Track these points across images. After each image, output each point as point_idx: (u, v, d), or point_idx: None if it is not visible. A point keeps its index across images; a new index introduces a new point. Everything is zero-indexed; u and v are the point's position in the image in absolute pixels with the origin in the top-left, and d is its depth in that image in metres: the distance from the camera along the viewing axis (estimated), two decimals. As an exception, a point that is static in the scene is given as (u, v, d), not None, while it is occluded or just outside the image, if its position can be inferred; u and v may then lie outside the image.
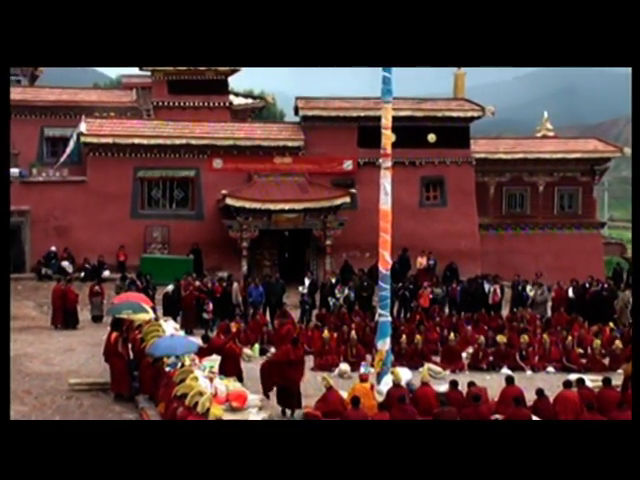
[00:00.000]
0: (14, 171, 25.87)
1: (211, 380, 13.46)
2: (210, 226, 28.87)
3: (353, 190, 28.66)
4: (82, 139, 28.43)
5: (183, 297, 22.88)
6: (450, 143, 30.34)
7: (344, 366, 18.10)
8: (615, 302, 24.35)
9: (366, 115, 28.89)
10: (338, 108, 30.20)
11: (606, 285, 25.64)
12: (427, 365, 17.36)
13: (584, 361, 19.70)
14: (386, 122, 15.60)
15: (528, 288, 25.28)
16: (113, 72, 74.56)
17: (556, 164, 32.81)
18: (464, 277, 27.11)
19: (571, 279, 25.66)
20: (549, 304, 25.08)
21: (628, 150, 32.40)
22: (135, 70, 31.67)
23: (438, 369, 18.23)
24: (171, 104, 32.24)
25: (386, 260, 15.61)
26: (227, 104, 33.10)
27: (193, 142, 29.19)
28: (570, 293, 25.03)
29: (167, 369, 14.27)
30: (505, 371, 18.18)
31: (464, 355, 19.90)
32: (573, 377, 15.60)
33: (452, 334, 20.32)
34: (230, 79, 33.43)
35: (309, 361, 17.90)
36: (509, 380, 14.60)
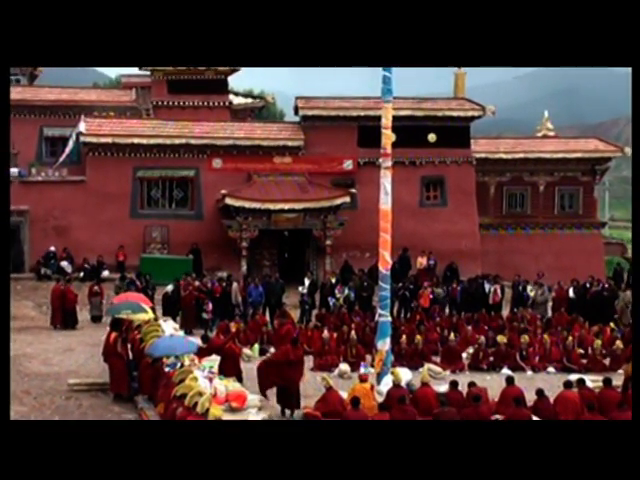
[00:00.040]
0: (13, 171, 25.82)
1: (210, 380, 13.46)
2: (210, 226, 28.83)
3: (353, 190, 28.63)
4: (81, 139, 28.41)
5: (182, 297, 22.85)
6: (450, 143, 30.30)
7: (344, 366, 18.05)
8: (616, 302, 24.32)
9: (366, 115, 28.84)
10: (338, 108, 30.16)
11: (607, 285, 25.61)
12: (427, 365, 17.34)
13: (585, 361, 19.66)
14: (386, 122, 15.58)
15: (529, 288, 25.25)
16: (113, 72, 74.54)
17: (557, 164, 32.77)
18: (464, 277, 27.08)
19: (572, 279, 25.63)
20: (549, 304, 25.03)
21: (629, 150, 32.37)
22: (135, 70, 31.66)
23: (438, 369, 18.20)
24: (171, 104, 32.22)
25: (386, 260, 15.58)
26: (227, 104, 33.09)
27: (193, 142, 29.15)
28: (571, 293, 25.01)
29: (166, 369, 14.25)
30: (505, 371, 18.14)
31: (464, 355, 19.86)
32: (573, 377, 15.58)
33: (452, 334, 20.29)
34: (230, 79, 33.44)
35: (309, 361, 17.87)
36: (509, 380, 14.58)
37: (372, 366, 16.64)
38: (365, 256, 27.67)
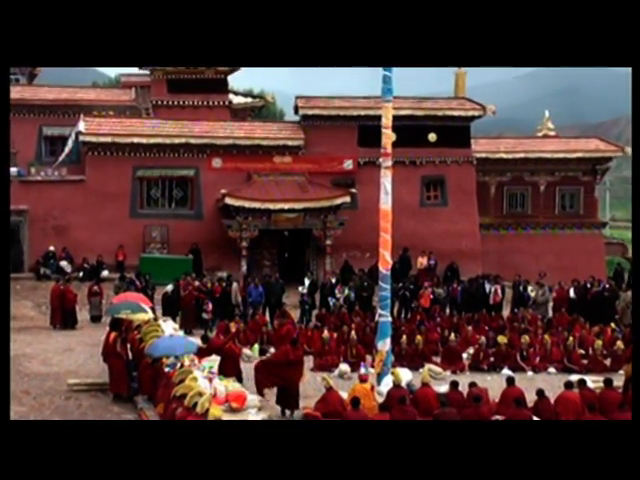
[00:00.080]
0: (12, 170, 25.73)
1: (210, 380, 13.46)
2: (209, 226, 28.79)
3: (353, 190, 28.59)
4: (81, 138, 28.37)
5: (182, 297, 22.82)
6: (451, 142, 30.28)
7: (344, 366, 18.02)
8: (617, 302, 24.29)
9: (366, 114, 28.80)
10: (338, 107, 30.13)
11: (607, 285, 25.56)
12: (427, 366, 17.29)
13: (585, 362, 19.62)
14: (386, 121, 15.55)
15: (529, 288, 25.20)
16: (112, 71, 74.54)
17: (557, 164, 32.76)
18: (465, 277, 27.05)
19: (572, 279, 25.59)
20: (550, 304, 24.99)
21: (630, 149, 32.30)
22: (134, 69, 31.61)
23: (438, 370, 18.16)
24: (170, 103, 32.16)
25: (386, 260, 15.55)
26: (227, 103, 33.02)
27: (192, 141, 29.11)
28: (571, 293, 24.97)
29: (166, 369, 14.24)
30: (506, 372, 18.09)
31: (465, 356, 19.83)
32: (574, 378, 15.58)
33: (453, 334, 20.27)
34: (230, 78, 33.38)
35: (309, 361, 17.83)
36: (510, 381, 14.55)
37: (372, 366, 16.61)
38: (365, 256, 27.63)
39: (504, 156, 32.42)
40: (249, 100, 36.01)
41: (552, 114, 38.18)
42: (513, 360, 19.25)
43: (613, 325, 22.18)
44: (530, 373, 18.89)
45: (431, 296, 24.11)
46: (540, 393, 13.91)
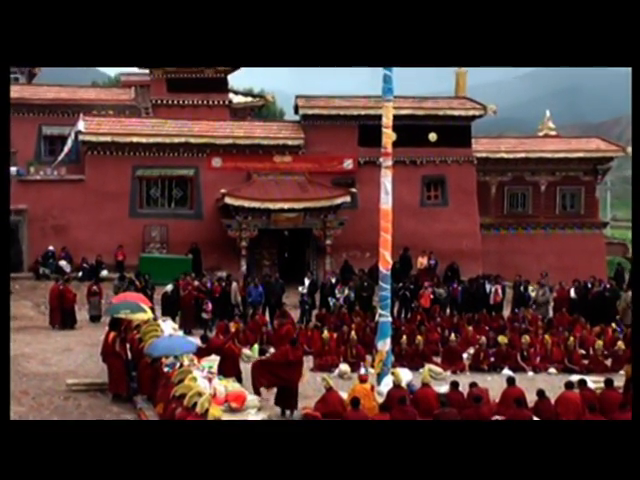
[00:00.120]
0: (12, 170, 25.68)
1: (210, 380, 13.45)
2: (209, 225, 28.74)
3: (353, 189, 28.55)
4: (80, 137, 28.32)
5: (182, 297, 22.78)
6: (451, 142, 30.23)
7: (344, 367, 17.98)
8: (617, 303, 24.24)
9: (367, 114, 28.76)
10: (338, 107, 30.09)
11: (608, 285, 25.52)
12: (428, 366, 17.23)
13: (586, 362, 19.60)
14: (387, 121, 15.52)
15: (530, 289, 25.15)
16: (112, 70, 74.51)
17: (558, 163, 32.71)
18: (465, 277, 27.00)
19: (573, 279, 25.55)
20: (551, 305, 24.93)
21: (631, 149, 32.23)
22: (134, 68, 31.54)
23: (439, 370, 18.14)
24: (170, 102, 32.07)
25: (386, 260, 15.51)
26: (226, 102, 32.93)
27: (192, 141, 29.05)
28: (572, 293, 24.93)
29: (165, 369, 14.21)
30: (506, 372, 18.05)
31: (465, 356, 19.79)
32: (575, 378, 15.58)
33: (453, 335, 20.24)
34: (230, 77, 33.28)
35: (309, 362, 17.78)
36: (510, 381, 14.53)
37: (372, 367, 16.56)
38: (365, 256, 27.58)
39: (505, 156, 32.37)
40: (249, 99, 35.94)
41: (553, 114, 38.13)
42: (513, 360, 19.21)
43: (614, 325, 22.14)
44: (530, 373, 18.85)
45: (431, 296, 24.06)
46: (541, 393, 13.89)
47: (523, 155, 32.45)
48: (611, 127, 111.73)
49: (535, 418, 12.92)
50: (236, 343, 18.35)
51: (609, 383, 14.36)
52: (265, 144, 29.50)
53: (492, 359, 19.32)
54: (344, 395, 13.90)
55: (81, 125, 28.27)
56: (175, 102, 32.01)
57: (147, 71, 32.22)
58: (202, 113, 31.31)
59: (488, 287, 25.09)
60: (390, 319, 16.09)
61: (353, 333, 19.46)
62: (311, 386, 15.78)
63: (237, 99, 34.76)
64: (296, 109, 30.44)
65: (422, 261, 28.32)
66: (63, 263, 27.04)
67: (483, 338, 19.91)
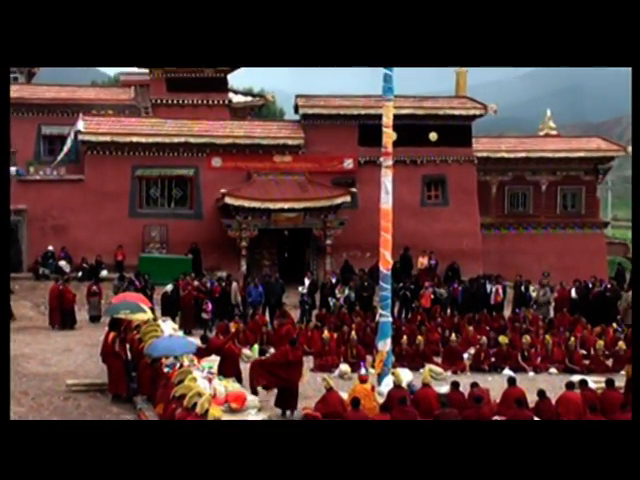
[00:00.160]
0: (11, 169, 25.63)
1: (210, 381, 13.43)
2: (209, 225, 28.69)
3: (354, 189, 28.50)
4: (80, 137, 28.27)
5: (182, 297, 22.75)
6: (452, 141, 30.19)
7: (344, 367, 17.94)
8: (618, 303, 24.20)
9: (367, 113, 28.72)
10: (338, 106, 30.04)
11: (609, 285, 25.47)
12: (428, 366, 17.21)
13: (587, 362, 19.56)
14: (387, 120, 15.48)
15: (531, 289, 25.10)
16: (111, 70, 74.39)
17: (559, 163, 32.66)
18: (466, 277, 26.95)
19: (574, 279, 25.50)
20: (552, 305, 24.87)
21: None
22: (133, 68, 31.44)
23: (439, 370, 18.12)
24: (170, 102, 32.01)
25: (387, 260, 15.47)
26: (226, 102, 32.88)
27: (192, 140, 29.00)
28: (573, 294, 24.87)
29: (165, 370, 14.19)
30: (507, 372, 18.00)
31: (465, 356, 19.75)
32: (576, 378, 15.57)
33: (453, 335, 20.21)
34: (229, 77, 33.23)
35: (309, 362, 17.74)
36: (511, 381, 14.48)
37: (372, 367, 16.52)
38: (366, 256, 27.53)
39: (505, 155, 32.32)
40: (249, 99, 35.85)
41: (554, 113, 38.04)
42: (514, 360, 19.16)
43: (615, 325, 22.09)
44: (531, 373, 18.81)
45: (432, 296, 24.01)
46: (541, 394, 13.85)
47: (524, 155, 32.41)
48: (612, 127, 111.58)
49: (536, 418, 12.87)
50: (236, 343, 18.30)
51: (610, 383, 14.31)
52: (265, 144, 29.45)
53: (493, 359, 19.28)
54: (344, 395, 13.86)
55: (80, 125, 28.21)
56: (175, 102, 31.95)
57: (147, 71, 32.15)
58: (202, 113, 31.26)
59: (489, 287, 25.04)
60: (390, 319, 16.05)
61: (353, 333, 19.41)
62: (311, 386, 15.75)
63: (237, 99, 34.69)
64: (296, 108, 30.38)
65: (422, 261, 28.28)
66: (63, 263, 26.99)
67: (484, 338, 19.87)
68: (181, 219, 28.91)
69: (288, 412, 14.52)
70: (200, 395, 11.45)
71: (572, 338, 20.13)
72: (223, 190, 27.48)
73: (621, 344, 19.63)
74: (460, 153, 30.47)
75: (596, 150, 33.20)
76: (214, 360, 15.07)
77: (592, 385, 14.85)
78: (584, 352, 20.13)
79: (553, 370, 19.14)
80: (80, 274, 26.49)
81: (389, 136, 15.53)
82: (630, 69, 11.27)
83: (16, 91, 29.89)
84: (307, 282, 24.72)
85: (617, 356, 19.37)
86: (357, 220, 27.71)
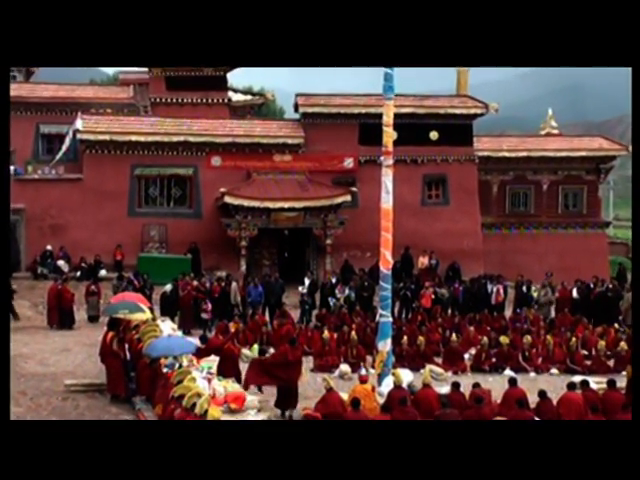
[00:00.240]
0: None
1: (209, 381, 13.40)
2: (208, 225, 28.61)
3: (354, 188, 28.44)
4: (78, 136, 28.20)
5: (181, 297, 22.71)
6: (453, 141, 30.14)
7: (344, 367, 17.89)
8: (620, 303, 24.13)
9: (367, 112, 28.65)
10: (339, 105, 29.99)
11: (611, 286, 25.41)
12: (429, 366, 17.14)
13: (588, 363, 19.53)
14: (387, 119, 15.39)
15: (532, 289, 25.02)
16: (110, 68, 74.32)
17: (561, 162, 32.59)
18: (467, 277, 26.90)
19: (575, 279, 25.45)
20: (553, 305, 24.80)
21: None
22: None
23: (440, 370, 18.09)
24: (169, 100, 31.88)
25: (387, 259, 15.38)
26: (226, 101, 32.76)
27: (191, 139, 28.93)
28: (574, 294, 24.82)
29: (164, 370, 14.14)
30: (508, 373, 17.96)
31: (466, 356, 19.72)
32: (577, 379, 15.56)
33: (454, 335, 20.19)
34: (229, 75, 33.13)
35: (309, 362, 17.68)
36: (512, 382, 14.43)
37: (373, 367, 16.44)
38: (366, 255, 27.47)
39: (507, 154, 32.25)
40: (249, 98, 35.77)
41: (555, 112, 37.97)
42: (515, 361, 19.12)
43: (617, 326, 22.03)
44: (532, 374, 18.77)
45: (432, 296, 23.94)
46: (542, 394, 13.81)
47: (525, 154, 32.33)
48: (614, 126, 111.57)
49: (537, 419, 12.81)
50: (236, 343, 18.30)
51: (612, 384, 14.29)
52: (265, 143, 29.38)
53: (493, 360, 19.24)
54: (344, 396, 13.83)
55: (79, 124, 28.14)
56: (174, 100, 31.82)
57: (146, 69, 32.07)
58: (201, 111, 31.17)
59: (490, 287, 24.99)
60: (391, 319, 15.95)
61: (353, 333, 19.36)
62: (311, 387, 15.74)
63: (236, 97, 34.59)
64: (296, 107, 30.32)
65: (423, 261, 28.23)
66: (61, 263, 26.93)
67: (485, 338, 19.81)
68: (180, 218, 28.83)
69: (288, 412, 14.44)
70: (199, 395, 11.38)
71: (573, 338, 20.08)
72: (223, 189, 27.40)
73: (623, 344, 19.56)
74: (461, 152, 30.40)
75: (598, 149, 33.13)
76: (213, 360, 15.04)
77: (593, 386, 14.82)
78: (585, 352, 20.11)
79: (554, 370, 19.09)
80: (79, 274, 26.43)
81: (389, 135, 15.45)
82: (630, 69, 11.24)
83: (14, 90, 29.69)
84: (307, 282, 24.68)
85: (619, 357, 19.31)
86: (357, 220, 27.64)
